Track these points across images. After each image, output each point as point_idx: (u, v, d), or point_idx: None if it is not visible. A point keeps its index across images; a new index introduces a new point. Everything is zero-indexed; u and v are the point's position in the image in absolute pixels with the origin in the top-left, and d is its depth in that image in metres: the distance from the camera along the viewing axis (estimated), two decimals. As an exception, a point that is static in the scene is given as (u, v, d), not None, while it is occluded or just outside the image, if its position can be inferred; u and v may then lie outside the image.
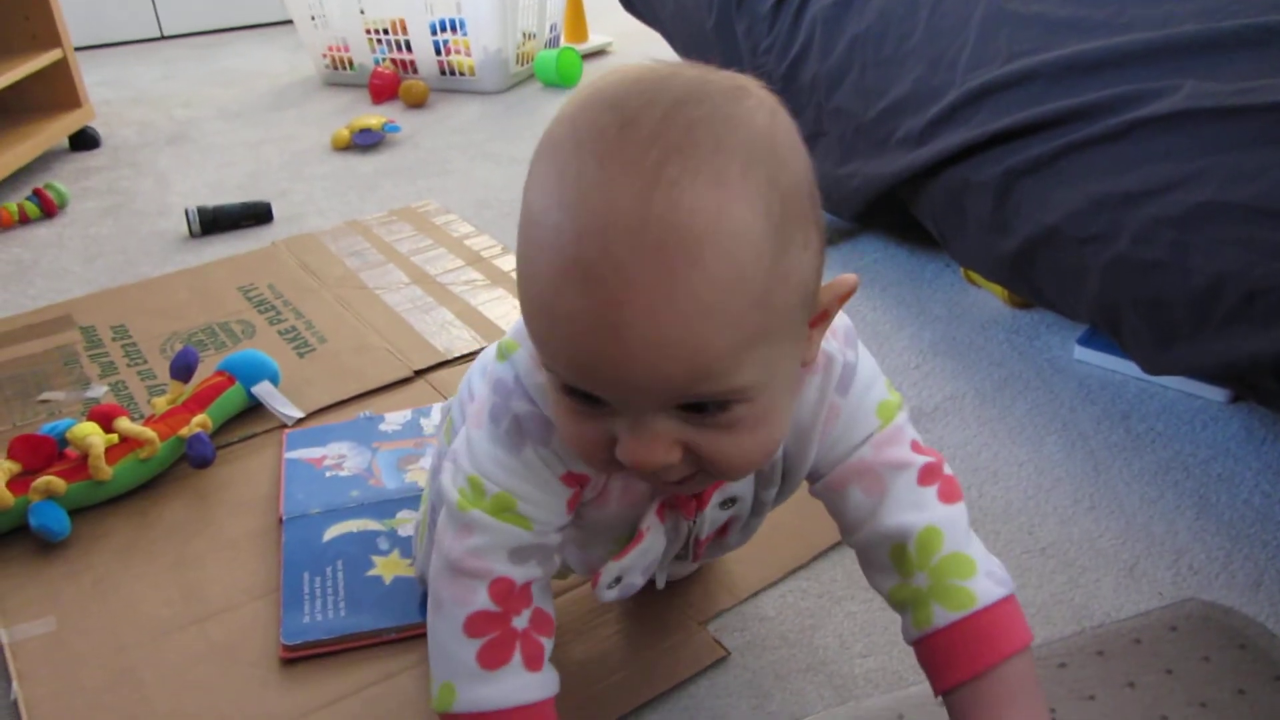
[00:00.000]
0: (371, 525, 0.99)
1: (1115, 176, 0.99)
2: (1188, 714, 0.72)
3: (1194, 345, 0.93)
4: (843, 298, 0.56)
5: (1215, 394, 1.09)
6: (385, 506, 1.02)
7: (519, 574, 0.63)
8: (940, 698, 0.62)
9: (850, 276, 0.56)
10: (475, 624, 0.62)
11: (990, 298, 1.34)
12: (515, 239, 0.52)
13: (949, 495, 0.64)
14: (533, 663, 0.63)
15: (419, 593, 0.89)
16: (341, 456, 1.10)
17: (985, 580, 0.61)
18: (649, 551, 0.66)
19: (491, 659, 0.61)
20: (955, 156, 1.17)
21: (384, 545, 0.96)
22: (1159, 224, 0.94)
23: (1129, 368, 1.13)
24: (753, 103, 0.49)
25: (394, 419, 1.16)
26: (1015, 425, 1.09)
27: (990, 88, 1.15)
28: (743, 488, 0.66)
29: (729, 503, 0.66)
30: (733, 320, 0.46)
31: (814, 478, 0.67)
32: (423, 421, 1.16)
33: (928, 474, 0.64)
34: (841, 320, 0.63)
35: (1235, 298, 0.88)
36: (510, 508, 0.61)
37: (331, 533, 0.98)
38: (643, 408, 0.50)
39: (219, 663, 0.85)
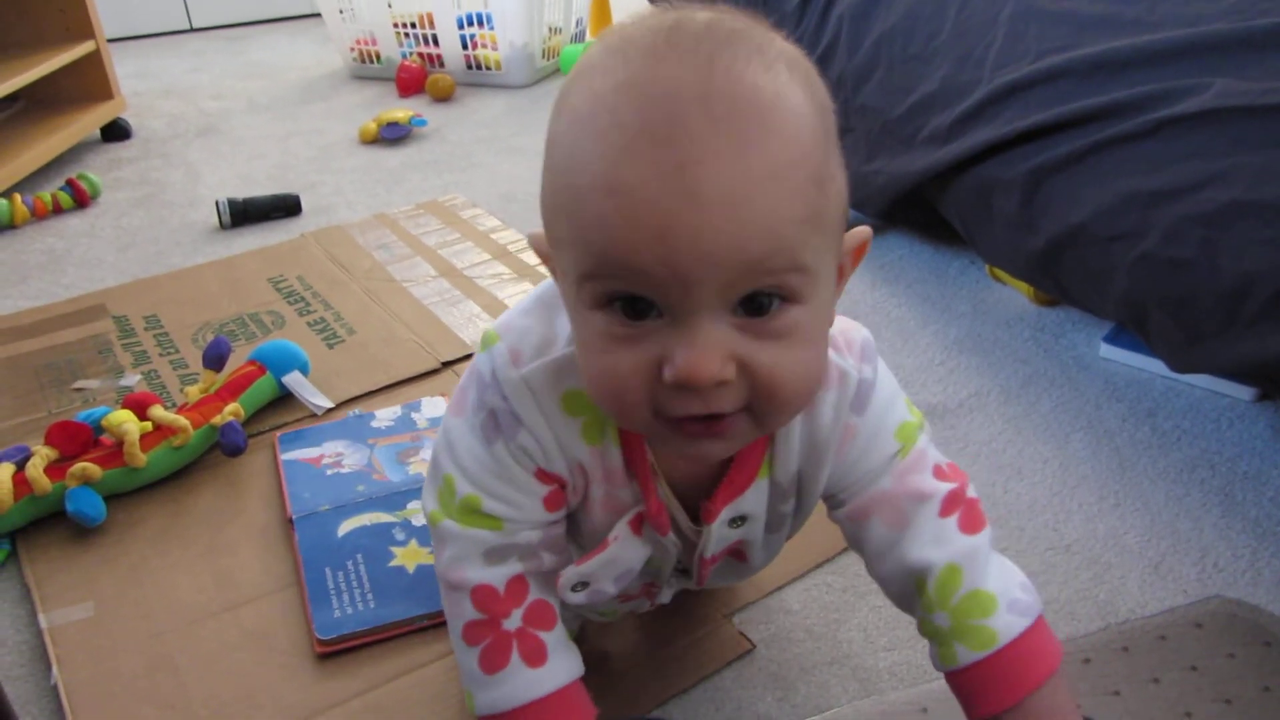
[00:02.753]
0: (384, 518, 1.00)
1: (1144, 175, 0.99)
2: (1212, 710, 0.73)
3: (1221, 343, 0.93)
4: (857, 252, 0.55)
5: (1241, 392, 1.09)
6: (394, 499, 1.03)
7: (498, 575, 0.63)
8: None
9: (863, 228, 0.55)
10: (470, 633, 0.63)
11: (1016, 295, 1.34)
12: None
13: (971, 524, 0.63)
14: (534, 658, 0.62)
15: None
16: (339, 455, 1.11)
17: (1006, 615, 0.61)
18: (617, 562, 0.64)
19: (490, 663, 0.62)
20: (982, 154, 1.17)
21: (400, 536, 0.98)
22: (1187, 222, 0.94)
23: (1155, 365, 1.13)
24: (778, 34, 0.51)
25: (384, 415, 1.18)
26: (1040, 422, 1.09)
27: (1019, 85, 1.15)
28: (754, 505, 0.64)
29: (738, 521, 0.65)
30: (798, 191, 0.47)
31: (835, 504, 0.66)
32: (414, 416, 1.17)
33: (950, 503, 0.63)
34: (860, 334, 0.63)
35: (1264, 296, 0.88)
36: (477, 509, 0.62)
37: (345, 527, 0.99)
38: (698, 306, 0.47)
39: (252, 650, 0.87)
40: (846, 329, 0.62)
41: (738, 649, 0.84)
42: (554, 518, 0.64)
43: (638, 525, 0.63)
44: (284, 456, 1.11)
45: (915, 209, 1.39)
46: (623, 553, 0.64)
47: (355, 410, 1.20)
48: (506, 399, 0.59)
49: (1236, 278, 0.90)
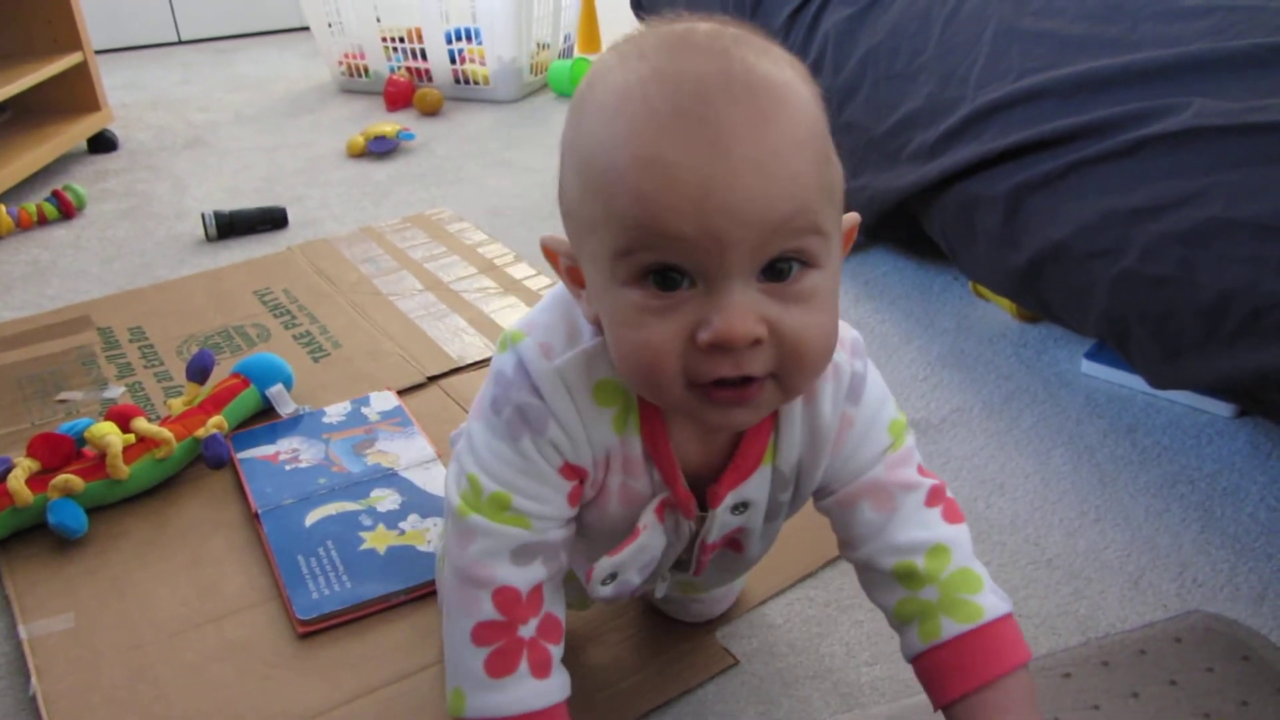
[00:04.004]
0: (349, 506, 1.03)
1: (1124, 192, 1.00)
2: (1190, 725, 0.73)
3: (1200, 360, 0.94)
4: (847, 236, 0.59)
5: (1221, 408, 1.09)
6: (356, 489, 1.05)
7: (523, 578, 0.63)
8: (940, 711, 0.63)
9: (852, 214, 0.59)
10: (482, 633, 0.62)
11: (998, 311, 1.35)
12: (537, 231, 0.57)
13: (953, 517, 0.66)
14: (540, 670, 0.63)
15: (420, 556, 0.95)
16: (295, 450, 1.13)
17: (991, 595, 0.64)
18: (645, 549, 0.65)
19: (498, 667, 0.62)
20: (965, 171, 1.18)
21: (367, 522, 1.00)
22: (1167, 240, 0.95)
23: (1135, 382, 1.14)
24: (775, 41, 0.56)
25: (335, 411, 1.20)
26: (1022, 438, 1.10)
27: (1001, 104, 1.16)
28: (757, 491, 0.65)
29: (741, 508, 0.66)
30: (814, 161, 0.52)
31: (823, 493, 0.67)
32: (364, 410, 1.19)
33: (934, 496, 0.66)
34: (849, 333, 0.64)
35: (1242, 313, 0.89)
36: (506, 505, 0.62)
37: (312, 517, 1.01)
38: (730, 270, 0.51)
39: (234, 661, 0.86)
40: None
41: (720, 663, 0.84)
42: (574, 513, 0.65)
43: (661, 512, 0.64)
44: (240, 456, 1.12)
45: (900, 225, 1.40)
46: (651, 540, 0.65)
47: (306, 407, 1.21)
48: (539, 392, 0.60)
49: (1215, 294, 0.91)
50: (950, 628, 0.62)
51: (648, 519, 0.64)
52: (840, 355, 0.63)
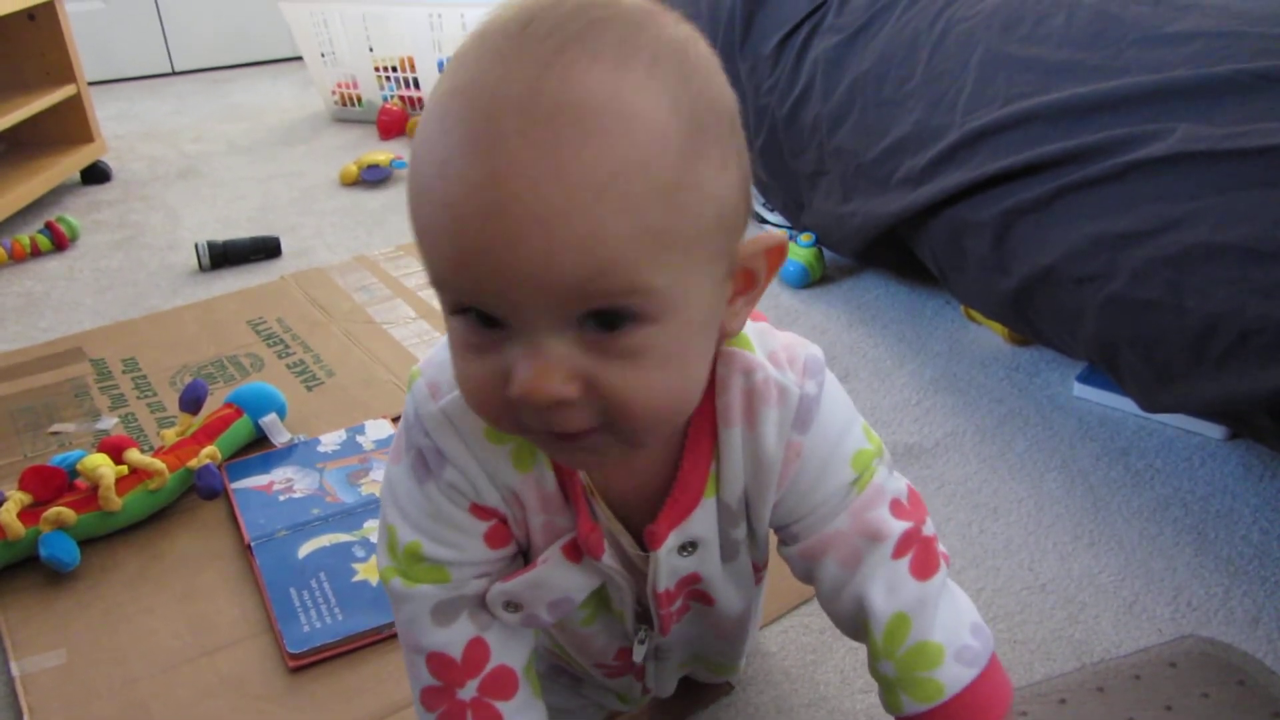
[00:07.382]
0: (343, 538, 1.03)
1: (1112, 217, 1.01)
2: (1186, 750, 0.73)
3: (1190, 383, 0.94)
4: (770, 256, 0.51)
5: (1213, 431, 1.10)
6: (350, 520, 1.05)
7: (451, 639, 0.60)
8: None
9: (777, 232, 0.51)
10: (426, 698, 0.62)
11: (990, 335, 1.35)
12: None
13: (923, 568, 0.60)
14: None
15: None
16: (289, 480, 1.13)
17: (953, 666, 0.59)
18: (545, 586, 0.60)
19: None
20: (955, 196, 1.19)
21: (360, 553, 1.00)
22: (1154, 264, 0.96)
23: (1127, 405, 1.14)
24: (667, 18, 0.47)
25: (330, 439, 1.20)
26: (1015, 462, 1.10)
27: (989, 129, 1.17)
28: (705, 528, 0.60)
29: (689, 548, 0.60)
30: (632, 205, 0.42)
31: (789, 538, 0.63)
32: (359, 439, 1.19)
33: (904, 544, 0.60)
34: (806, 350, 0.59)
35: (1230, 337, 0.90)
36: (419, 555, 0.59)
37: (305, 549, 1.01)
38: (537, 321, 0.44)
39: (228, 696, 0.86)
40: (791, 344, 0.59)
41: (715, 691, 0.84)
42: (498, 555, 0.60)
43: (571, 551, 0.59)
44: (234, 485, 1.12)
45: (891, 250, 1.41)
46: (551, 576, 0.59)
47: (300, 436, 1.21)
48: (429, 435, 0.56)
49: (1203, 318, 0.91)
50: (910, 706, 0.60)
51: (550, 554, 0.59)
52: (787, 377, 0.57)
